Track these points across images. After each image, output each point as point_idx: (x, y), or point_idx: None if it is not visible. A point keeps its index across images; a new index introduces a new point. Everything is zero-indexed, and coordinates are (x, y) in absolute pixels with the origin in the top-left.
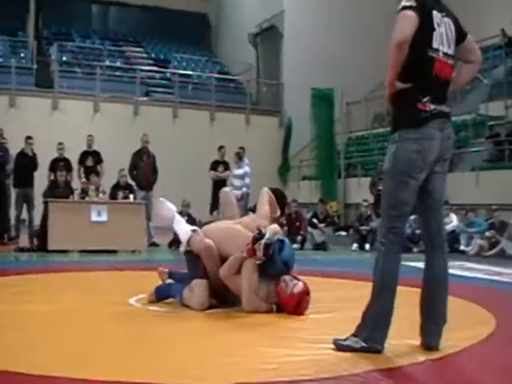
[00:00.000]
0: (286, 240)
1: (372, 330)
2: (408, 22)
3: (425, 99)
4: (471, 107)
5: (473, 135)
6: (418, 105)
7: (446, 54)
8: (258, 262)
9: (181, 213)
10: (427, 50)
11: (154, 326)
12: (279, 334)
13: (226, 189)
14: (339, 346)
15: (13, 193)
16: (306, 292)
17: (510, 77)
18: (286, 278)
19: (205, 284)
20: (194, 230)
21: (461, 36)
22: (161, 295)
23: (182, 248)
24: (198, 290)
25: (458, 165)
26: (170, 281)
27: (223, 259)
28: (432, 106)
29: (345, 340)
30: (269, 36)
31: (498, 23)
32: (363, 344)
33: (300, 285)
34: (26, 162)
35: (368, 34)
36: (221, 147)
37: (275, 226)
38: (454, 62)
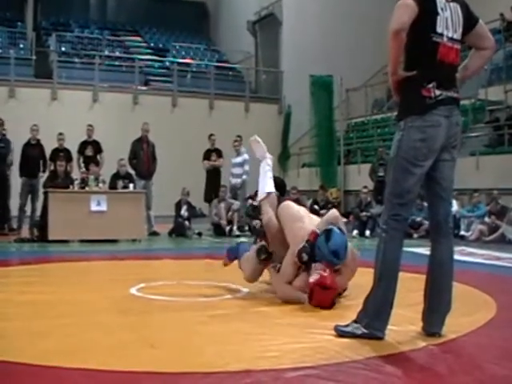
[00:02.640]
0: (335, 229)
1: (373, 316)
2: (405, 10)
3: (429, 85)
4: (470, 92)
5: (472, 120)
6: (422, 91)
7: (451, 39)
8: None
9: (180, 201)
10: (431, 35)
11: (155, 315)
12: (281, 322)
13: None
14: (340, 332)
15: (19, 183)
16: (318, 284)
17: (509, 61)
18: (318, 266)
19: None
20: (269, 193)
21: (471, 22)
22: (231, 256)
23: (255, 202)
24: (250, 263)
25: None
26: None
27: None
28: (437, 92)
29: (346, 326)
30: (267, 24)
31: (497, 7)
32: (364, 330)
33: (315, 276)
34: (33, 153)
35: (367, 21)
36: (211, 135)
37: (332, 213)
38: (461, 47)
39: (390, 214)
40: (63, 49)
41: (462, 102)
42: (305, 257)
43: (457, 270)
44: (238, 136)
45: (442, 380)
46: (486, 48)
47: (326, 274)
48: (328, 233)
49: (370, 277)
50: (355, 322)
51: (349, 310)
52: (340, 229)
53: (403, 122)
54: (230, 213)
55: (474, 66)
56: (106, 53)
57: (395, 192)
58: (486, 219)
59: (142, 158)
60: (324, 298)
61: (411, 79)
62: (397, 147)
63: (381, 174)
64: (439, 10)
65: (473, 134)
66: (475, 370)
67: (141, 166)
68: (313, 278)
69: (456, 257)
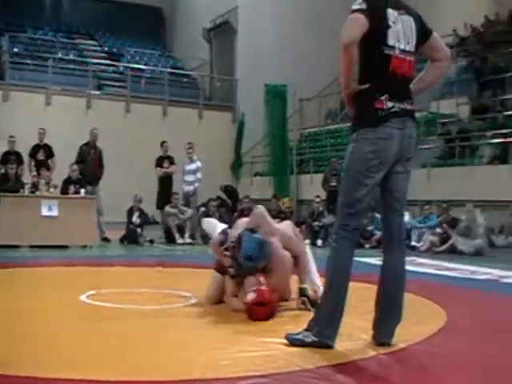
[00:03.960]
0: (246, 233)
1: (324, 325)
2: (355, 25)
3: (382, 97)
4: (423, 105)
5: (424, 132)
6: (375, 103)
7: (403, 51)
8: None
9: (132, 208)
10: (382, 48)
11: (105, 323)
12: (234, 331)
13: (260, 207)
14: (291, 340)
15: None
16: (255, 302)
17: (461, 75)
18: (252, 281)
19: (217, 279)
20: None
21: (425, 34)
22: None
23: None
24: (211, 283)
25: None
26: None
27: None
28: (390, 104)
29: (297, 334)
30: (223, 31)
31: (451, 23)
32: (314, 338)
33: (251, 294)
34: None
35: (321, 31)
36: (163, 142)
37: (253, 214)
38: (415, 59)
39: (340, 224)
40: (16, 50)
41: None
42: (231, 271)
43: (407, 280)
44: (189, 143)
45: None
46: (440, 59)
47: (262, 289)
48: (239, 240)
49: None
50: (306, 330)
51: (302, 320)
52: (252, 230)
53: (356, 134)
54: (181, 220)
55: (429, 78)
56: (60, 55)
57: (346, 202)
58: (438, 230)
59: (89, 163)
60: (262, 312)
61: (364, 92)
62: (349, 158)
63: (333, 183)
64: (390, 23)
65: (425, 146)
66: (425, 380)
67: (87, 171)
68: (250, 297)
69: (407, 267)
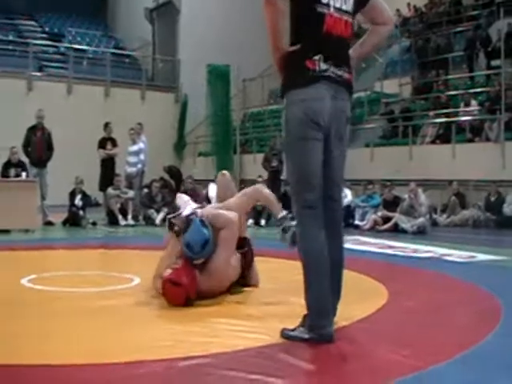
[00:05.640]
0: (197, 220)
1: (314, 316)
2: None
3: (316, 57)
4: (366, 85)
5: (368, 112)
6: (306, 62)
7: (339, 10)
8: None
9: (74, 190)
10: (315, 6)
11: (46, 306)
12: (174, 312)
13: (224, 172)
14: (288, 337)
15: None
16: (169, 279)
17: (404, 55)
18: (178, 261)
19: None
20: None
21: None
22: None
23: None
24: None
25: (353, 141)
26: None
27: None
28: (324, 66)
29: (292, 331)
30: (165, 11)
31: (394, 4)
32: (312, 335)
33: (168, 270)
34: None
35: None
36: (107, 124)
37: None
38: (353, 19)
39: (301, 205)
40: None
41: (358, 95)
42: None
43: (350, 258)
44: (138, 123)
45: (335, 367)
46: (381, 23)
47: (179, 269)
48: (188, 222)
49: (266, 266)
50: (302, 326)
51: (246, 299)
52: (202, 221)
53: (285, 99)
54: (122, 199)
55: (370, 42)
56: (0, 36)
57: (300, 176)
58: (379, 214)
59: (35, 145)
60: (174, 294)
61: (296, 52)
62: (285, 127)
63: (274, 164)
64: None
65: (368, 126)
66: (368, 357)
67: (33, 154)
68: (167, 273)
69: (350, 246)
